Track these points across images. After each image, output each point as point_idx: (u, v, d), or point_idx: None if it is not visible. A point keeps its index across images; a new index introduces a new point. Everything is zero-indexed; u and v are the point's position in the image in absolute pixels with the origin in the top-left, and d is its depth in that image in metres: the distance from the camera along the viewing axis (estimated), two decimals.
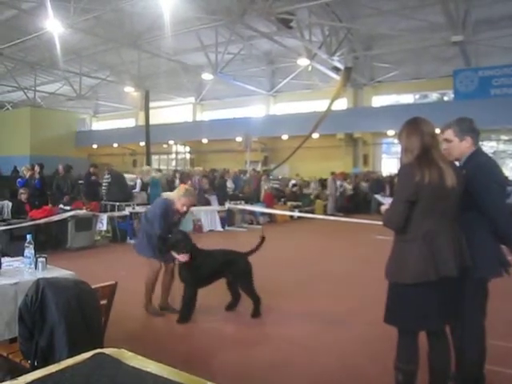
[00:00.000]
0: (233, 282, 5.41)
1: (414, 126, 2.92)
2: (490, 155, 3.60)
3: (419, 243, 2.78)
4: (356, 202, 19.50)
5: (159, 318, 5.22)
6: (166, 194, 5.52)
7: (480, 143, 3.29)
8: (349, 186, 19.87)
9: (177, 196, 5.20)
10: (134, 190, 13.75)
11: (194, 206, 5.44)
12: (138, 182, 13.57)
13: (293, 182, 20.40)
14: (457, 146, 3.19)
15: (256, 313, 5.23)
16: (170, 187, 15.41)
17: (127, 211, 11.30)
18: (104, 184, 12.55)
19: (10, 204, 10.68)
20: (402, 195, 2.85)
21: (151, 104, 23.70)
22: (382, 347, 3.88)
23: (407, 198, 2.78)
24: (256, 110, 26.81)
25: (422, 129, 2.87)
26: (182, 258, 4.94)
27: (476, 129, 3.23)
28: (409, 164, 2.84)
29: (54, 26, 15.24)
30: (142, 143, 23.87)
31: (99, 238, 10.60)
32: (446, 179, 2.75)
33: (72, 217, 9.71)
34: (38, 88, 27.69)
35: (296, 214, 15.41)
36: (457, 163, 3.17)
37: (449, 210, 2.83)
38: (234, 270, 5.27)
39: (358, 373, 3.87)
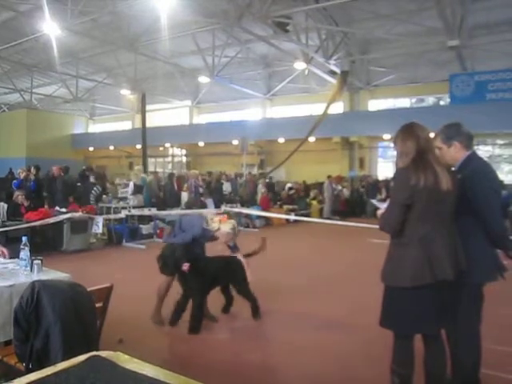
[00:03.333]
0: (227, 286, 5.42)
1: (409, 130, 2.94)
2: (486, 159, 3.61)
3: (415, 247, 2.79)
4: (352, 206, 19.53)
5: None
6: (211, 222, 5.09)
7: (476, 147, 3.31)
8: (345, 190, 19.89)
9: (225, 231, 4.95)
10: (125, 194, 13.79)
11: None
12: (131, 185, 13.54)
13: (289, 185, 20.40)
14: (446, 152, 3.20)
15: (256, 315, 5.25)
16: (166, 190, 15.45)
17: (123, 214, 11.30)
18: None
19: (6, 206, 10.65)
20: (397, 199, 2.86)
21: (148, 107, 23.69)
22: (379, 350, 3.89)
23: (403, 202, 2.80)
24: (252, 113, 26.78)
25: (418, 133, 2.88)
26: (185, 266, 4.80)
27: (464, 133, 3.23)
28: (404, 168, 2.85)
29: (50, 28, 15.19)
30: (139, 146, 23.83)
31: (95, 240, 10.58)
32: (442, 183, 2.76)
33: (68, 219, 9.70)
34: (34, 90, 27.56)
35: (292, 217, 15.42)
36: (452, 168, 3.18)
37: (444, 213, 2.84)
38: (232, 274, 5.26)
39: (355, 375, 3.87)
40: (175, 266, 4.82)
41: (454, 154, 3.19)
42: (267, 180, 20.28)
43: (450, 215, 2.88)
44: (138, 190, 13.23)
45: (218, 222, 4.99)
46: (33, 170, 12.88)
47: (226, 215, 5.35)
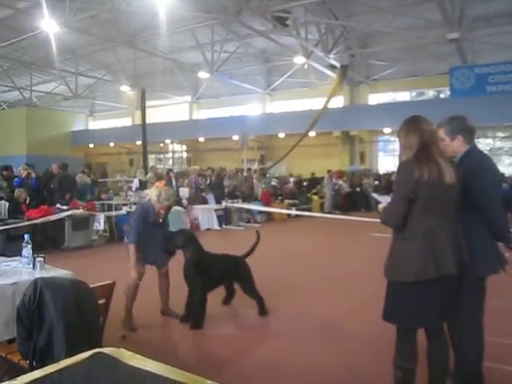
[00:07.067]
0: (232, 284, 5.45)
1: (413, 123, 2.91)
2: (486, 152, 3.61)
3: (419, 241, 2.76)
4: (354, 200, 19.50)
5: (157, 317, 5.20)
6: (146, 195, 5.24)
7: (476, 140, 3.29)
8: (345, 184, 19.89)
9: (153, 199, 4.90)
10: (131, 191, 13.79)
11: (171, 207, 5.30)
12: (136, 181, 13.55)
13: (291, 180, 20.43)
14: (449, 145, 3.18)
15: (263, 311, 5.26)
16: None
17: (124, 210, 11.31)
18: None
19: (7, 204, 10.64)
20: (401, 192, 2.83)
21: (147, 103, 23.65)
22: (383, 345, 3.88)
23: (406, 195, 2.78)
24: (252, 108, 26.76)
25: (421, 126, 2.86)
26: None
27: (469, 127, 3.22)
28: (408, 161, 2.83)
29: (49, 25, 15.16)
30: (139, 142, 23.83)
31: (96, 237, 10.58)
32: (445, 176, 2.74)
33: (69, 216, 9.70)
34: (34, 88, 27.54)
35: (293, 212, 15.41)
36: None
37: (448, 207, 2.82)
38: (238, 273, 5.29)
39: (359, 371, 3.87)
40: (171, 248, 4.95)
41: (457, 147, 3.18)
42: (268, 175, 20.28)
43: (454, 208, 2.87)
44: (142, 186, 13.23)
45: (154, 188, 5.03)
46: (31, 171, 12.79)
47: (162, 181, 5.53)
